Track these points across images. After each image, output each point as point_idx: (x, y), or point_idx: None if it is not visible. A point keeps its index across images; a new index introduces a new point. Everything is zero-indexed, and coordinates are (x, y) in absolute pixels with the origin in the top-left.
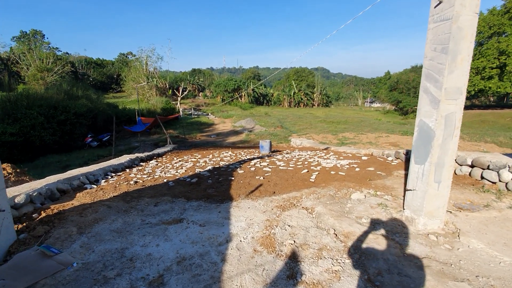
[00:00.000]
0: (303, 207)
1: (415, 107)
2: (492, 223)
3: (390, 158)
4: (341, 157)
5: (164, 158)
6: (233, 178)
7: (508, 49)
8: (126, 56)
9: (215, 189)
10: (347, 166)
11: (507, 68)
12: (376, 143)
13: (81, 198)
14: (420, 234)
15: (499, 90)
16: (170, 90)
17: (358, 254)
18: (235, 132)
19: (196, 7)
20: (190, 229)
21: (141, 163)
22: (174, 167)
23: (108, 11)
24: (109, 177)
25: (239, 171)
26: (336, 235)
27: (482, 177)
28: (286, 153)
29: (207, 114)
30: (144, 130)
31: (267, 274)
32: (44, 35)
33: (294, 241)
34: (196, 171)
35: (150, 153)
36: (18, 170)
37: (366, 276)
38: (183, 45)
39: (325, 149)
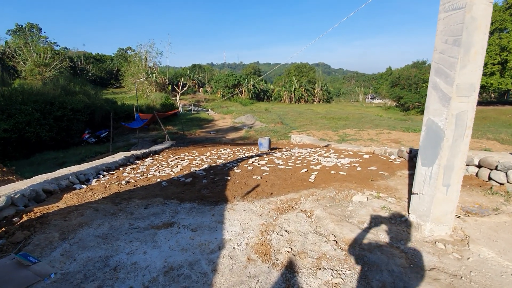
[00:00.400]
0: (301, 210)
1: (417, 103)
2: (503, 229)
3: (392, 157)
4: (341, 155)
5: (160, 156)
6: (229, 178)
7: (510, 45)
8: (126, 51)
9: (209, 190)
10: (348, 165)
11: (508, 64)
12: (377, 139)
13: (68, 200)
14: (427, 242)
15: (500, 86)
16: (170, 86)
17: (360, 265)
18: (235, 129)
19: (195, 1)
20: (181, 234)
21: (136, 161)
22: (169, 166)
23: (107, 5)
24: (101, 176)
25: (236, 170)
26: (336, 242)
27: (490, 178)
28: (286, 151)
29: (207, 110)
30: (142, 127)
31: (261, 286)
32: (41, 29)
33: (291, 248)
34: (191, 170)
35: (147, 150)
36: (4, 169)
37: None
38: (183, 41)
39: (326, 146)
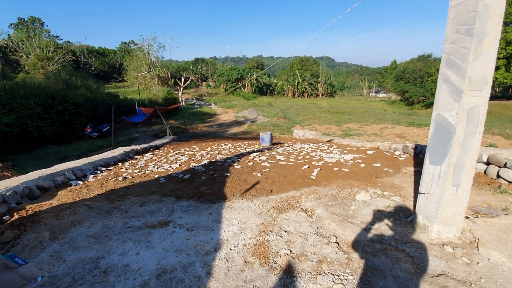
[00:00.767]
0: (302, 209)
1: (422, 98)
2: None
3: (397, 153)
4: (345, 151)
5: (161, 151)
6: (228, 174)
7: None
8: (128, 45)
9: (208, 187)
10: (351, 161)
11: None
12: (381, 134)
13: (62, 197)
14: (434, 245)
15: (505, 81)
16: (172, 80)
17: (363, 269)
18: (237, 123)
19: None
20: (176, 234)
21: (135, 156)
22: (169, 161)
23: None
24: (99, 172)
25: (236, 166)
26: (338, 244)
27: (499, 176)
28: (288, 146)
29: (210, 104)
30: (143, 121)
31: None
32: (44, 22)
33: (291, 250)
34: (190, 166)
35: (147, 145)
36: (0, 165)
37: None
38: (185, 34)
39: (328, 141)
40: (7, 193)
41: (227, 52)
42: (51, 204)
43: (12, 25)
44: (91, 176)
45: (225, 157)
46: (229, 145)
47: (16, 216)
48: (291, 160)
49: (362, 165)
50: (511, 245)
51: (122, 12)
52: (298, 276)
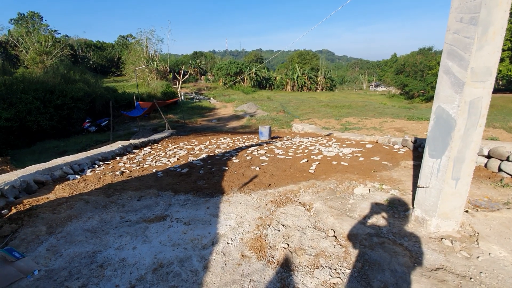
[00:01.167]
0: (300, 203)
1: (422, 91)
2: None
3: (396, 146)
4: (344, 145)
5: (159, 145)
6: (226, 168)
7: None
8: (126, 39)
9: (206, 181)
10: (350, 155)
11: None
12: (380, 128)
13: (60, 191)
14: (433, 238)
15: (509, 73)
16: (171, 74)
17: (361, 263)
18: (237, 117)
19: None
20: (173, 228)
21: (134, 150)
22: (167, 155)
23: None
24: (96, 166)
25: (234, 160)
26: (335, 237)
27: (500, 169)
28: (286, 140)
29: (209, 98)
30: (142, 115)
31: (254, 286)
32: (42, 17)
33: (288, 244)
34: (188, 160)
35: (146, 139)
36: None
37: None
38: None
39: (328, 135)
40: (5, 187)
41: (226, 45)
42: (48, 198)
43: (13, 21)
44: (89, 170)
45: (223, 151)
46: (228, 139)
47: (14, 210)
48: (289, 154)
49: (361, 159)
50: None
51: (120, 5)
52: (296, 270)
